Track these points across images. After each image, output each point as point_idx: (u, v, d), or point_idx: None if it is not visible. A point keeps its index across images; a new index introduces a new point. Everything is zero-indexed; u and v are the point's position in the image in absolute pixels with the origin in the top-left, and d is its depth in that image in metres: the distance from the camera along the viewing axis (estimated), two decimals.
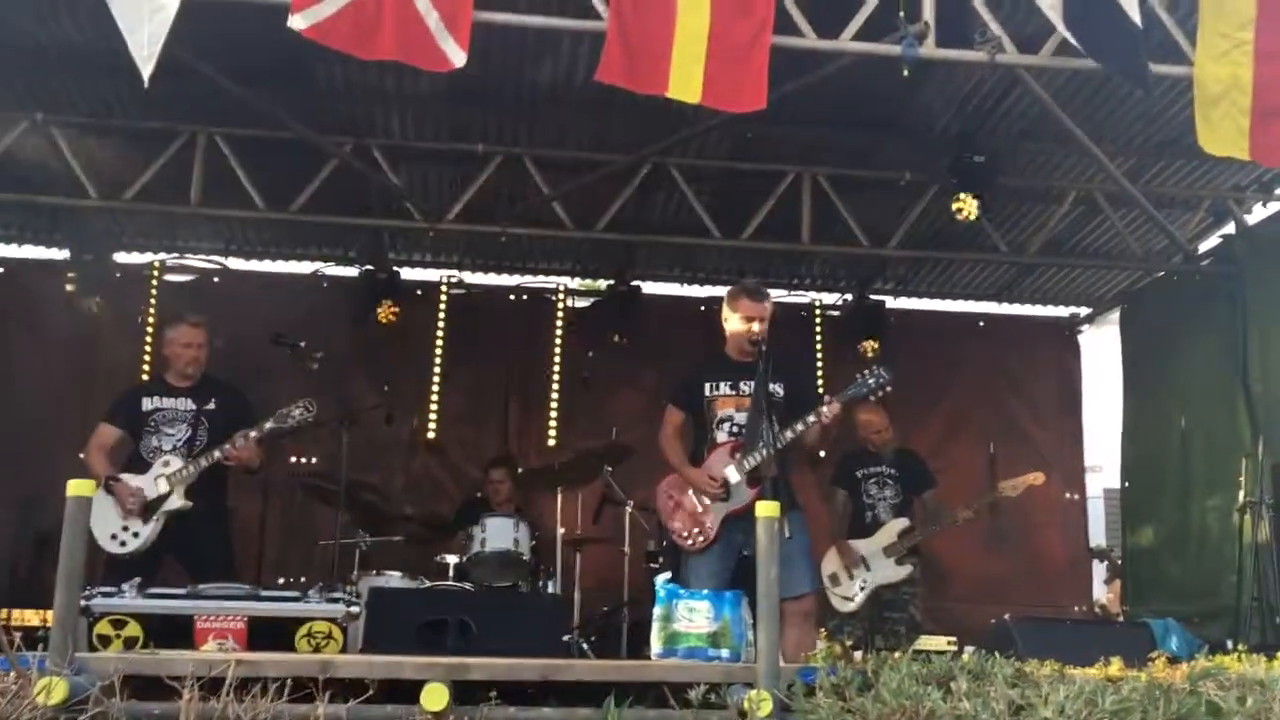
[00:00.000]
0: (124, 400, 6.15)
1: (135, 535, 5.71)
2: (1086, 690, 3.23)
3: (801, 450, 5.56)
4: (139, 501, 5.70)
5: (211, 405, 6.00)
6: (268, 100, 6.88)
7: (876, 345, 9.23)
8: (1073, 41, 5.49)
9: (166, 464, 5.78)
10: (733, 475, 5.26)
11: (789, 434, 5.22)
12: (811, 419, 5.28)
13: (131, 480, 5.76)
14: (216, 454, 5.77)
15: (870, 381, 5.47)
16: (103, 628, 4.68)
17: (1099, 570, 10.66)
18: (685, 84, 5.23)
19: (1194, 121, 5.67)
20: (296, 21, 5.08)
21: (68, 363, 8.77)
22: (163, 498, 5.73)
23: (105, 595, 4.76)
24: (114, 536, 5.70)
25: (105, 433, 6.03)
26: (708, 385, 5.45)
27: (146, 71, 4.95)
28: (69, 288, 8.48)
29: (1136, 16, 5.43)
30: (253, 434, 5.77)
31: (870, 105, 7.12)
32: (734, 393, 5.40)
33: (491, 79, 6.95)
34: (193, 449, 5.88)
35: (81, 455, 6.13)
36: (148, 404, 6.01)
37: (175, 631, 4.67)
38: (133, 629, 4.69)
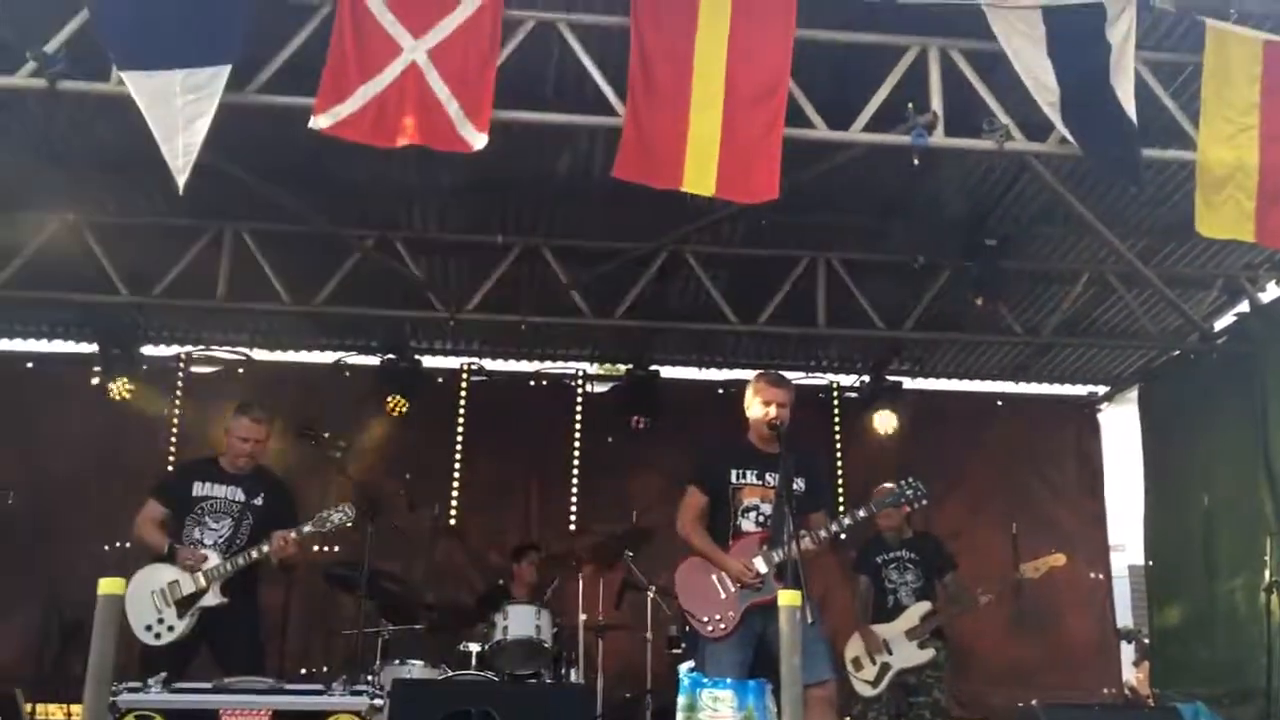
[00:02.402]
0: (175, 480, 6.19)
1: (170, 629, 5.72)
2: None
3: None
4: (200, 560, 5.72)
5: (259, 500, 6.03)
6: (292, 196, 7.05)
7: (894, 415, 9.31)
8: (1069, 137, 5.60)
9: (205, 559, 5.80)
10: (761, 566, 5.26)
11: (822, 534, 5.26)
12: (848, 521, 5.33)
13: (170, 570, 5.76)
14: (258, 552, 5.79)
15: (908, 493, 5.54)
16: None
17: (1128, 651, 10.52)
18: (700, 178, 5.36)
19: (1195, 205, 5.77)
20: (319, 121, 5.25)
21: (95, 455, 8.87)
22: (199, 593, 5.75)
23: (131, 691, 4.76)
24: (149, 628, 5.72)
25: (154, 509, 6.04)
26: (733, 472, 5.44)
27: (182, 180, 5.10)
28: (95, 380, 8.64)
29: (1132, 112, 5.56)
30: (292, 535, 5.80)
31: (882, 191, 7.25)
32: (760, 483, 5.40)
33: (510, 172, 7.10)
34: (232, 546, 5.90)
35: (132, 534, 6.13)
36: (198, 489, 6.01)
37: None
38: None
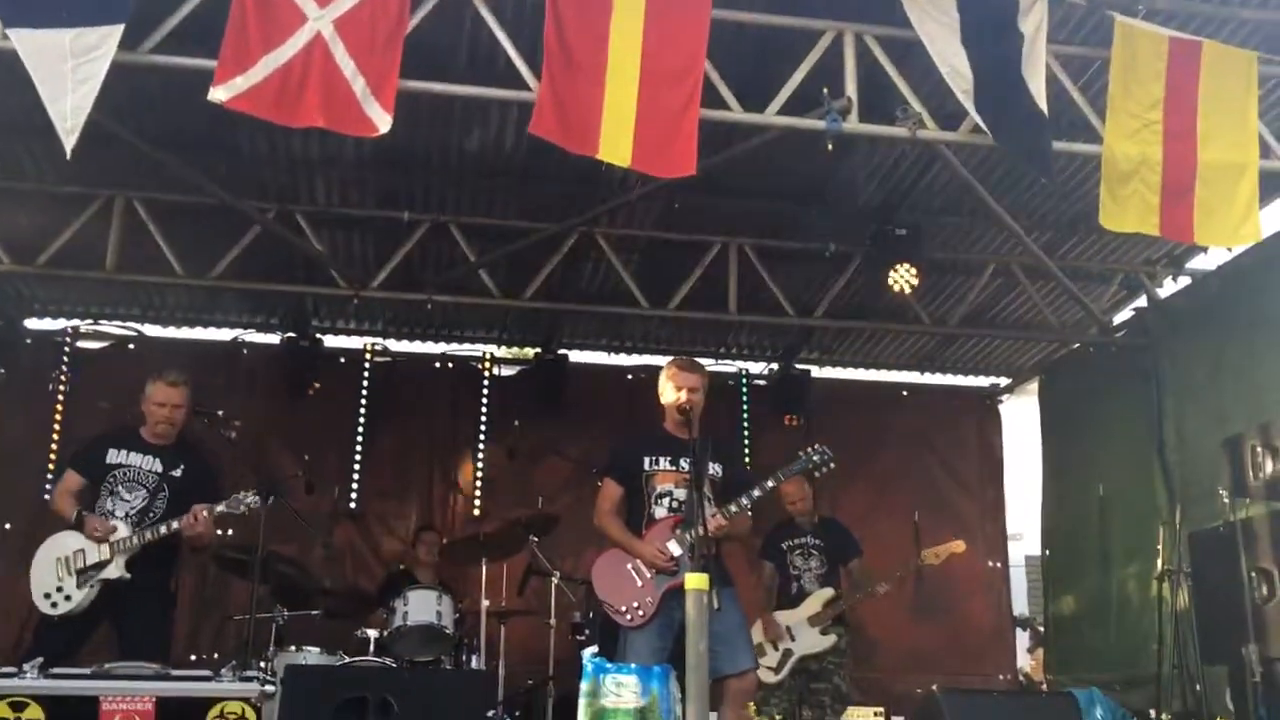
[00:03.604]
0: (91, 447, 5.88)
1: (67, 598, 5.45)
2: None
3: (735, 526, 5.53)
4: (108, 532, 5.47)
5: (178, 473, 5.75)
6: (188, 165, 6.79)
7: (798, 421, 9.38)
8: (981, 125, 5.65)
9: (114, 530, 5.52)
10: (676, 550, 5.20)
11: (733, 508, 5.21)
12: (756, 493, 5.28)
13: (75, 539, 5.51)
14: (167, 528, 5.52)
15: (815, 458, 5.48)
16: (2, 710, 4.44)
17: (1022, 638, 10.73)
18: (615, 148, 5.27)
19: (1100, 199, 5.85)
20: (218, 94, 5.04)
21: None
22: (101, 564, 5.47)
23: (5, 676, 4.53)
24: (47, 595, 5.46)
25: (71, 479, 5.78)
26: (646, 459, 5.39)
27: (70, 143, 4.86)
28: None
29: (1043, 104, 5.62)
30: (203, 513, 5.53)
31: (795, 178, 7.24)
32: (673, 468, 5.35)
33: (418, 146, 6.96)
34: (145, 519, 5.62)
35: (50, 505, 5.91)
36: (113, 456, 5.73)
37: (80, 713, 4.45)
38: (34, 711, 4.46)
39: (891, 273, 7.38)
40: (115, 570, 5.49)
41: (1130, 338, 8.58)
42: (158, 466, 5.76)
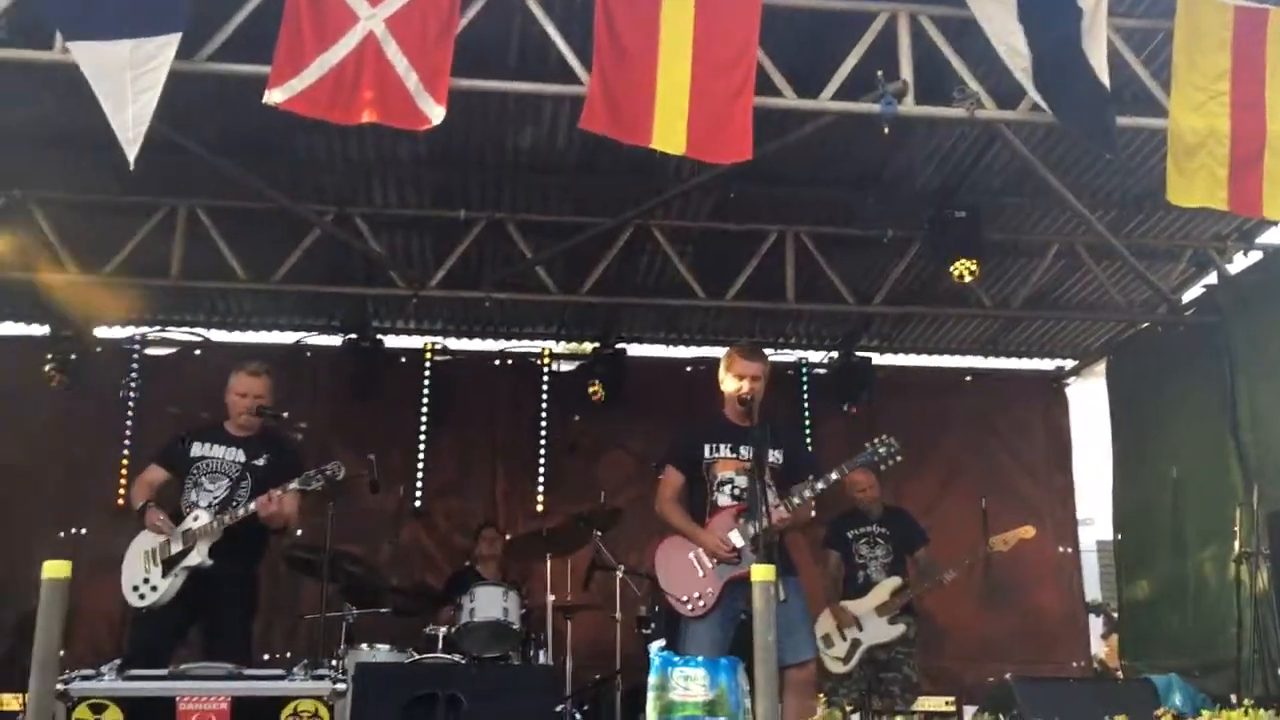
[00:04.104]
0: (178, 443, 5.92)
1: (154, 588, 5.50)
2: None
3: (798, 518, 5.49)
4: (167, 529, 5.52)
5: (261, 461, 5.78)
6: (248, 171, 6.87)
7: (859, 408, 9.35)
8: (1041, 104, 5.54)
9: (196, 518, 5.57)
10: (738, 539, 5.17)
11: (796, 500, 5.17)
12: (821, 485, 5.23)
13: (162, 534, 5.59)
14: (250, 507, 5.54)
15: (881, 450, 5.42)
16: (81, 712, 4.51)
17: (1096, 625, 10.56)
18: (669, 136, 5.25)
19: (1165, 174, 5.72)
20: (274, 96, 5.11)
21: (47, 440, 8.66)
22: (184, 552, 5.51)
23: (84, 679, 4.61)
24: (135, 589, 5.52)
25: (153, 471, 5.85)
26: (707, 447, 5.36)
27: (132, 153, 4.95)
28: (48, 366, 8.43)
29: (1105, 79, 5.50)
30: (277, 493, 5.55)
31: (851, 163, 7.18)
32: (734, 456, 5.31)
33: (472, 145, 6.99)
34: (226, 508, 5.64)
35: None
36: (198, 449, 5.79)
37: (157, 714, 4.52)
38: (113, 713, 4.53)
39: (953, 266, 7.30)
40: (197, 557, 5.51)
41: (1200, 316, 8.38)
42: (240, 457, 5.79)
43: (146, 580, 5.53)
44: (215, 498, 5.68)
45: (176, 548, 5.55)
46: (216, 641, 5.48)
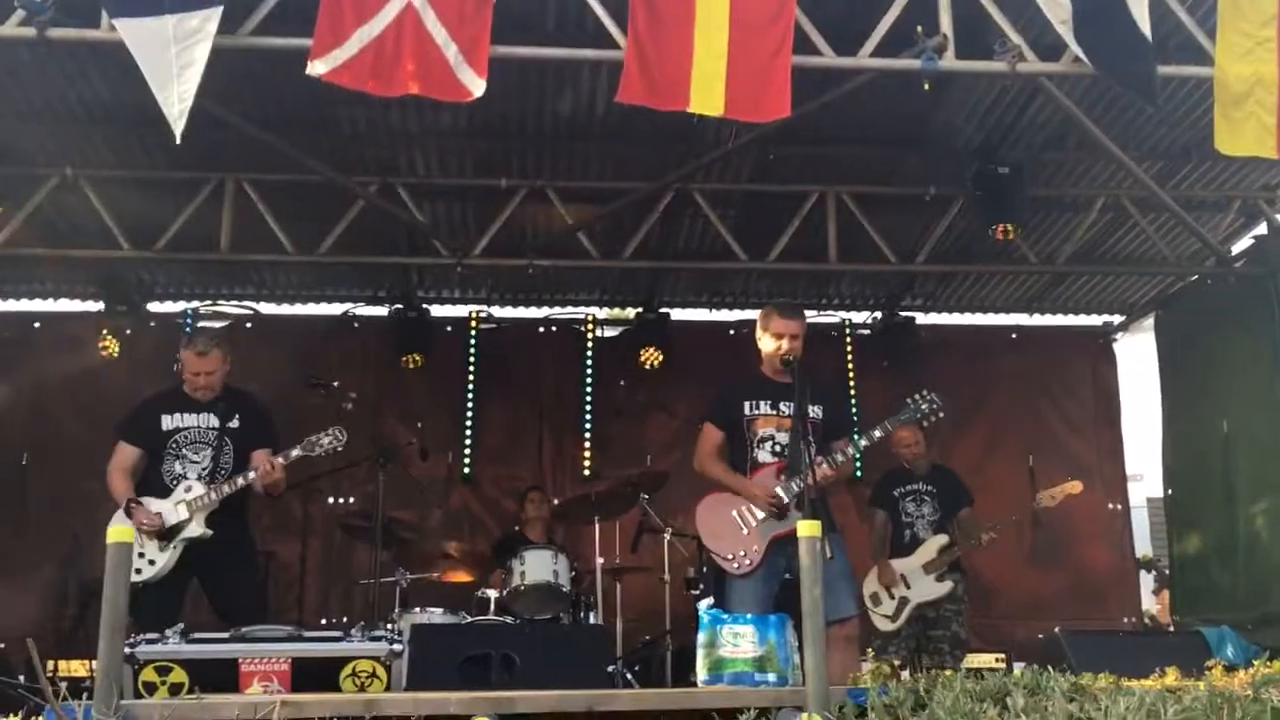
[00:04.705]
0: (140, 417, 5.90)
1: (151, 563, 5.57)
2: (1147, 701, 3.12)
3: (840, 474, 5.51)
4: (156, 526, 5.55)
5: (235, 423, 5.84)
6: (292, 144, 6.94)
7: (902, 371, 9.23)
8: (1081, 56, 5.46)
9: (189, 489, 5.65)
10: (782, 495, 5.20)
11: (839, 457, 5.19)
12: (864, 442, 5.25)
13: (152, 504, 5.63)
14: (249, 476, 5.64)
15: (923, 407, 5.42)
16: (148, 674, 4.67)
17: (1146, 580, 10.51)
18: (707, 99, 5.24)
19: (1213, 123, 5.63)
20: (316, 67, 5.15)
21: (108, 413, 8.82)
22: (182, 524, 5.60)
23: (150, 643, 4.76)
24: (132, 564, 5.66)
25: (125, 453, 5.81)
26: (747, 404, 5.39)
27: (178, 128, 5.00)
28: (103, 341, 8.61)
29: (1147, 29, 5.41)
30: (279, 460, 5.66)
31: (892, 121, 7.11)
32: (774, 412, 5.33)
33: (512, 112, 7.01)
34: (215, 476, 5.74)
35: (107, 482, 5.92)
36: (168, 421, 5.81)
37: (220, 675, 4.66)
38: (178, 675, 4.68)
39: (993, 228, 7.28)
40: (196, 528, 5.60)
41: (1250, 267, 8.24)
42: (214, 422, 5.82)
43: (142, 554, 5.53)
44: (203, 468, 5.75)
45: (172, 520, 5.60)
46: (233, 605, 5.55)
